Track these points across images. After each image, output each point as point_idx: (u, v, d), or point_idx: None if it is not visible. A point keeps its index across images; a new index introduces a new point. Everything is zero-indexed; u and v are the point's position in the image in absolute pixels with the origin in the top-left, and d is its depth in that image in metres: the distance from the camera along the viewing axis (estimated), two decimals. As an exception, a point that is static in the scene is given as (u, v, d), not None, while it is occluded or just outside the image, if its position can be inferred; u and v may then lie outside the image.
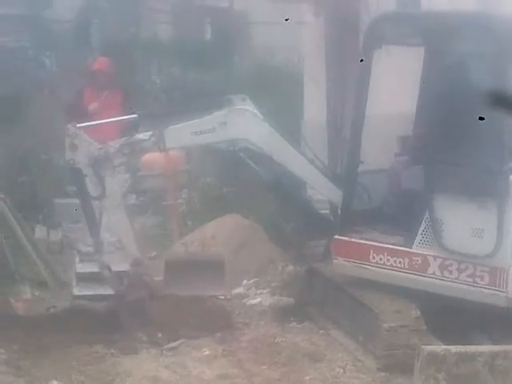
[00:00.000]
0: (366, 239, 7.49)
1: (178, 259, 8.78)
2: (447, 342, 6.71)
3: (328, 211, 8.23)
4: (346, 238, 7.57)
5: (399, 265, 7.25)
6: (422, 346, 6.38)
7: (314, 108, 12.51)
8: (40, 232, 9.91)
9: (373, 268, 7.39)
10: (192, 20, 14.21)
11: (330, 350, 7.36)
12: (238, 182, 10.14)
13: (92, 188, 7.49)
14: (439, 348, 6.43)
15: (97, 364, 7.07)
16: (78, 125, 7.51)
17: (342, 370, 7.02)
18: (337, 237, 7.64)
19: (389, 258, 7.31)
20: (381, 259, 7.35)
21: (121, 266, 7.68)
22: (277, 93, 12.24)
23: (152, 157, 8.86)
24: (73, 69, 11.92)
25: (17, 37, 13.32)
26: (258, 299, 8.62)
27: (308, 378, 6.88)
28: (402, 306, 7.13)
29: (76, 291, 8.56)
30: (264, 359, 7.16)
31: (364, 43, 7.60)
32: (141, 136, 7.59)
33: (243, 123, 7.54)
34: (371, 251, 7.40)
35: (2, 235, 8.61)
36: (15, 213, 8.93)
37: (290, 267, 9.12)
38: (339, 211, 7.79)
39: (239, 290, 8.89)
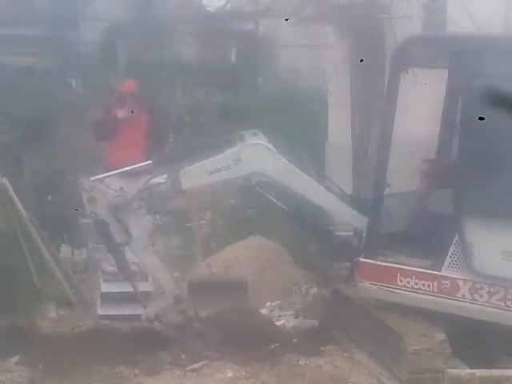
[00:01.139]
0: (393, 262, 7.45)
1: (202, 280, 8.79)
2: (474, 365, 6.65)
3: (351, 233, 8.19)
4: (371, 261, 7.54)
5: (427, 288, 7.21)
6: (447, 370, 6.35)
7: (339, 130, 12.50)
8: (65, 251, 9.96)
9: (400, 291, 7.35)
10: (217, 42, 14.28)
11: (354, 373, 7.32)
12: (260, 206, 10.16)
13: (117, 235, 7.57)
14: (464, 371, 6.39)
15: (121, 384, 7.09)
16: (92, 178, 7.61)
17: (366, 394, 7.00)
18: (362, 260, 7.61)
19: (417, 281, 7.26)
20: (408, 282, 7.30)
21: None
22: (301, 115, 12.25)
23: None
24: (99, 90, 11.99)
25: (43, 58, 13.42)
26: (282, 321, 8.59)
27: (332, 400, 6.87)
28: (427, 328, 7.09)
29: (100, 311, 8.59)
30: (287, 382, 7.12)
31: (392, 66, 7.58)
32: (157, 179, 7.68)
33: (257, 158, 7.62)
34: (398, 274, 7.36)
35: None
36: (41, 232, 8.99)
37: (314, 289, 9.11)
38: (363, 234, 7.76)
39: (263, 311, 8.86)
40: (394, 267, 7.42)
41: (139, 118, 9.48)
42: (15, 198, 8.98)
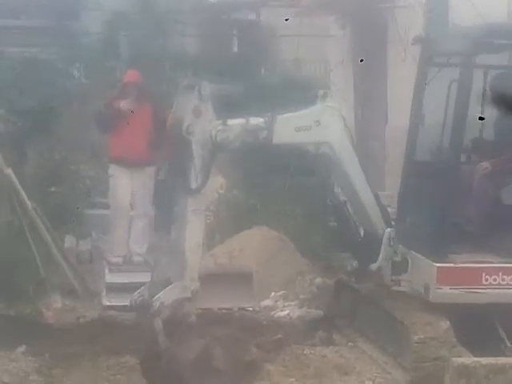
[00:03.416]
0: (473, 262, 7.08)
1: (206, 272, 8.78)
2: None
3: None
4: (451, 265, 7.06)
5: None
6: (452, 358, 6.35)
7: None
8: (69, 242, 9.98)
9: (487, 290, 7.03)
10: (219, 33, 14.28)
11: (359, 363, 7.34)
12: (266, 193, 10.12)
13: (193, 176, 6.05)
14: (469, 360, 6.40)
15: (126, 374, 7.07)
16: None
17: (371, 383, 7.00)
18: (439, 265, 7.06)
19: (504, 276, 7.04)
20: (495, 280, 7.03)
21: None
22: (303, 105, 12.24)
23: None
24: (101, 80, 12.00)
25: (46, 49, 13.42)
26: (286, 311, 8.61)
27: (337, 390, 6.88)
28: (432, 317, 7.09)
29: (105, 301, 8.62)
30: (292, 372, 7.13)
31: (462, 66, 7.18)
32: (255, 121, 6.27)
33: (333, 124, 6.63)
34: (483, 273, 7.03)
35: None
36: (45, 222, 9.01)
37: (319, 279, 9.12)
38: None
39: (267, 302, 8.89)
40: (476, 267, 7.05)
41: (142, 109, 9.48)
42: (20, 188, 8.99)
